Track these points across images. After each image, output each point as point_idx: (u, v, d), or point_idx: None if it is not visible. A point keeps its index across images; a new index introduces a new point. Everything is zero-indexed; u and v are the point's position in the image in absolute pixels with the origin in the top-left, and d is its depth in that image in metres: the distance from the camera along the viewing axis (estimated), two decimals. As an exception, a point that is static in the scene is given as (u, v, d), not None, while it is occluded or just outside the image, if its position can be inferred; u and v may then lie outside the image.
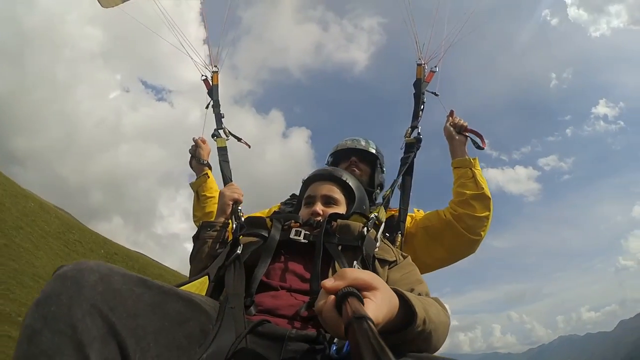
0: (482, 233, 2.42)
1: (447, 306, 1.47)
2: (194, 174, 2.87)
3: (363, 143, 2.94)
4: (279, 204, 2.68)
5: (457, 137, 2.62)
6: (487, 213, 2.42)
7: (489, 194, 2.44)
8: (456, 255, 2.52)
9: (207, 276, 1.66)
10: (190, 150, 2.91)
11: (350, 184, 2.12)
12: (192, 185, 2.81)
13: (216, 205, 2.55)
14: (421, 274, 2.13)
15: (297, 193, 2.61)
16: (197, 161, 2.85)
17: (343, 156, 2.92)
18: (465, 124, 2.66)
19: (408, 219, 2.53)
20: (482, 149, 2.63)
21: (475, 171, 2.49)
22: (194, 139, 2.90)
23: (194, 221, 2.74)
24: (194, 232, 2.27)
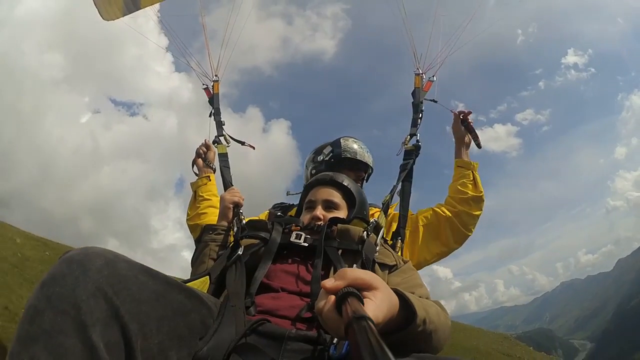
0: (472, 230, 2.68)
1: (447, 310, 1.50)
2: (193, 174, 2.92)
3: (370, 157, 3.04)
4: (267, 212, 2.75)
5: (466, 140, 2.79)
6: (480, 213, 2.66)
7: (484, 197, 2.67)
8: (451, 249, 2.68)
9: (207, 276, 1.69)
10: (199, 150, 2.94)
11: (351, 189, 2.16)
12: (192, 184, 2.85)
13: (210, 209, 2.67)
14: (418, 269, 2.23)
15: (281, 200, 2.77)
16: (204, 162, 2.90)
17: (352, 165, 2.97)
18: (472, 122, 2.80)
19: (394, 214, 2.66)
20: (480, 147, 2.82)
21: (476, 175, 2.69)
22: (205, 142, 2.96)
23: (186, 220, 2.77)
24: (190, 237, 2.29)
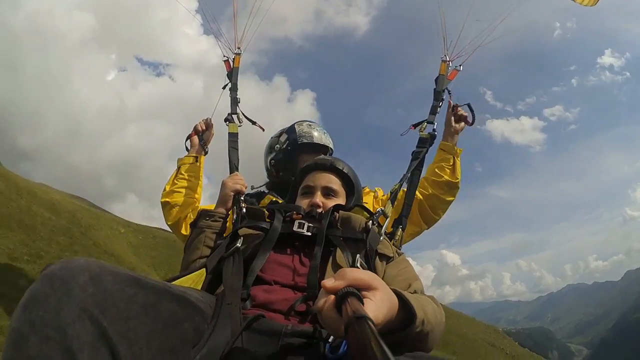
0: (441, 214, 2.69)
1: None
2: (184, 149, 2.81)
3: (329, 139, 2.97)
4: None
5: (454, 125, 2.72)
6: (452, 199, 2.66)
7: (459, 185, 2.65)
8: (423, 229, 2.69)
9: (203, 269, 1.63)
10: (197, 127, 2.82)
11: (350, 176, 2.07)
12: (179, 160, 2.75)
13: (185, 190, 2.61)
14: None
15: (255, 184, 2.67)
16: (200, 142, 2.79)
17: (309, 149, 2.88)
18: (465, 114, 2.75)
19: (371, 199, 2.65)
20: (471, 124, 2.77)
21: (457, 160, 2.64)
22: (207, 120, 2.84)
23: (162, 192, 2.67)
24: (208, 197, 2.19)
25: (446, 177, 2.60)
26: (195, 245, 1.98)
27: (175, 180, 2.67)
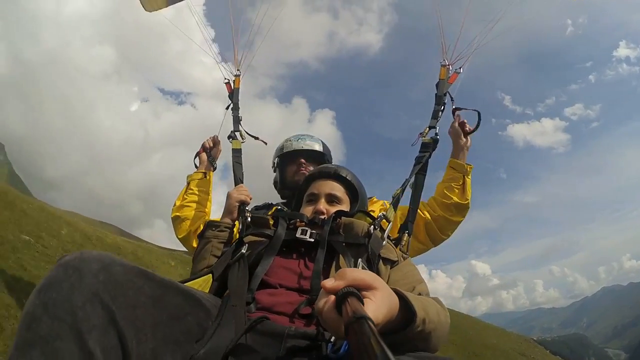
0: (450, 234, 2.64)
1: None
2: (193, 165, 2.89)
3: (308, 142, 2.98)
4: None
5: (462, 139, 2.67)
6: (461, 220, 2.61)
7: (470, 205, 2.58)
8: (430, 247, 2.66)
9: (210, 274, 1.69)
10: (205, 144, 2.92)
11: (353, 183, 2.11)
12: (188, 176, 2.83)
13: (194, 204, 2.67)
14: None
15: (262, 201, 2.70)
16: (208, 159, 2.87)
17: (289, 158, 2.95)
18: (468, 127, 2.69)
19: (378, 207, 2.58)
20: (472, 131, 2.70)
21: (467, 180, 2.59)
22: (214, 137, 2.95)
23: (172, 208, 2.74)
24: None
25: (455, 199, 2.56)
26: (202, 255, 2.05)
27: (185, 196, 2.74)
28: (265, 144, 3.05)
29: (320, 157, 2.96)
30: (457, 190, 2.58)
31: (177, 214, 2.67)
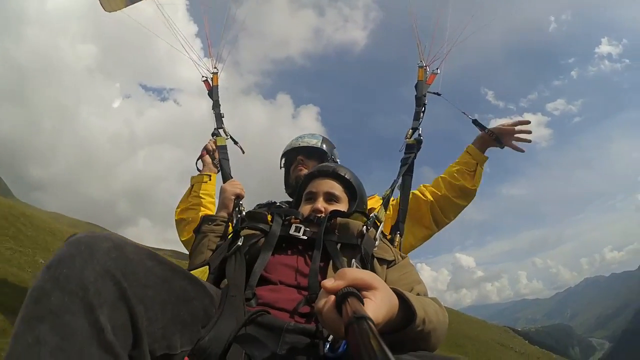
0: (452, 217, 2.66)
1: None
2: (193, 171, 2.88)
3: (306, 139, 3.02)
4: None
5: (491, 141, 2.67)
6: (465, 205, 2.64)
7: (476, 193, 2.63)
8: (434, 231, 2.66)
9: (207, 267, 1.70)
10: (207, 146, 2.92)
11: (352, 182, 2.12)
12: (192, 178, 2.83)
13: (199, 207, 2.66)
14: (406, 253, 2.22)
15: (264, 200, 2.69)
16: (212, 161, 2.88)
17: (291, 156, 3.00)
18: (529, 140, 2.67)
19: (378, 205, 2.55)
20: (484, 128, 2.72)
21: (479, 169, 2.63)
22: (213, 139, 2.94)
23: (176, 210, 2.75)
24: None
25: (463, 182, 2.59)
26: (199, 249, 2.05)
27: (189, 199, 2.74)
28: (243, 152, 3.04)
29: (319, 154, 2.96)
30: (467, 176, 2.61)
31: (183, 216, 2.67)
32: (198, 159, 2.91)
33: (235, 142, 3.00)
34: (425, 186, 2.69)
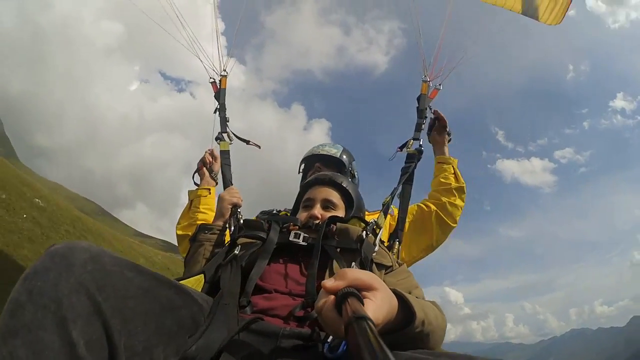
0: (457, 221, 2.71)
1: (444, 313, 1.48)
2: (192, 182, 2.86)
3: (327, 148, 3.07)
4: (255, 218, 2.61)
5: (439, 139, 2.92)
6: (463, 204, 2.74)
7: (466, 188, 2.76)
8: (439, 242, 2.71)
9: (202, 275, 1.66)
10: (205, 159, 2.88)
11: (349, 189, 2.15)
12: (190, 193, 2.79)
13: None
14: (408, 267, 2.22)
15: (268, 207, 2.68)
16: (210, 175, 2.84)
17: (310, 163, 3.06)
18: (444, 122, 2.90)
19: (389, 218, 2.64)
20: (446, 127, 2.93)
21: (456, 169, 2.80)
22: (212, 151, 2.90)
23: (177, 227, 2.70)
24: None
25: (453, 183, 2.74)
26: (195, 258, 2.03)
27: (190, 215, 2.69)
28: (259, 147, 3.03)
29: (337, 163, 3.00)
30: (452, 177, 2.78)
31: (185, 232, 2.62)
32: (195, 173, 2.87)
33: (247, 142, 2.99)
34: (425, 200, 2.78)
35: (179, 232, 2.65)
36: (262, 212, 2.60)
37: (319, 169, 2.92)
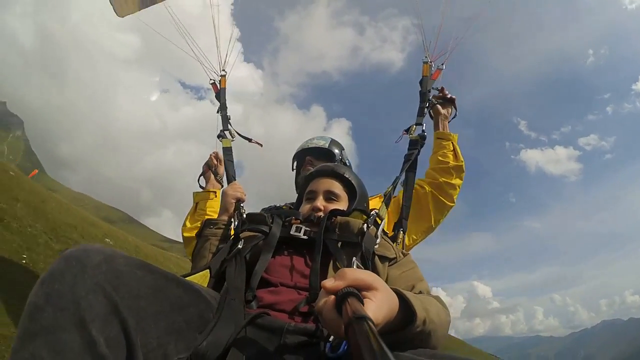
0: (455, 200, 2.67)
1: (449, 307, 1.46)
2: (197, 184, 2.88)
3: (315, 141, 3.07)
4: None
5: (442, 111, 2.82)
6: (461, 182, 2.68)
7: (464, 167, 2.68)
8: (437, 223, 2.67)
9: (208, 270, 1.69)
10: (209, 162, 2.92)
11: (352, 180, 2.13)
12: (196, 195, 2.83)
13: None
14: (408, 250, 2.25)
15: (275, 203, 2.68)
16: (216, 177, 2.88)
17: (301, 158, 3.06)
18: (454, 97, 2.82)
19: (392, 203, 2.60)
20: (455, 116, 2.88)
21: (456, 146, 2.71)
22: (216, 154, 2.93)
23: (183, 229, 2.73)
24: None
25: (452, 162, 2.66)
26: (202, 253, 2.08)
27: (196, 217, 2.73)
28: (261, 145, 3.07)
29: (327, 154, 2.99)
30: (450, 155, 2.69)
31: (190, 234, 2.64)
32: (200, 176, 2.91)
33: (249, 140, 3.03)
34: (421, 180, 2.70)
35: (186, 234, 2.68)
36: (263, 209, 2.57)
37: (310, 162, 2.92)
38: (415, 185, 2.63)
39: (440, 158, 2.69)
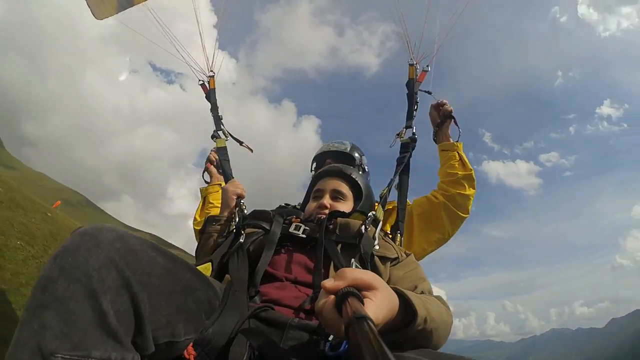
0: (469, 210, 2.64)
1: (450, 306, 1.48)
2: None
3: (336, 145, 3.13)
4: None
5: (443, 122, 2.80)
6: (474, 191, 2.65)
7: (474, 174, 2.66)
8: (450, 234, 2.66)
9: (210, 263, 1.71)
10: (210, 157, 2.99)
11: (358, 181, 2.19)
12: (202, 190, 2.89)
13: None
14: (418, 260, 2.22)
15: (260, 201, 2.71)
16: (218, 171, 2.92)
17: (321, 161, 3.11)
18: (451, 109, 2.79)
19: (393, 207, 2.64)
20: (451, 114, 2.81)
21: (462, 154, 2.69)
22: (214, 150, 2.95)
23: (194, 224, 2.78)
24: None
25: (460, 172, 2.64)
26: (205, 250, 2.09)
27: (205, 211, 2.79)
28: (251, 151, 3.04)
29: (347, 158, 3.03)
30: (457, 165, 2.67)
31: (211, 215, 2.63)
32: (204, 172, 2.98)
33: (240, 142, 3.01)
34: (435, 191, 2.72)
35: (197, 228, 2.70)
36: (280, 206, 2.60)
37: (329, 164, 2.88)
38: (429, 196, 2.68)
39: (448, 170, 2.68)
